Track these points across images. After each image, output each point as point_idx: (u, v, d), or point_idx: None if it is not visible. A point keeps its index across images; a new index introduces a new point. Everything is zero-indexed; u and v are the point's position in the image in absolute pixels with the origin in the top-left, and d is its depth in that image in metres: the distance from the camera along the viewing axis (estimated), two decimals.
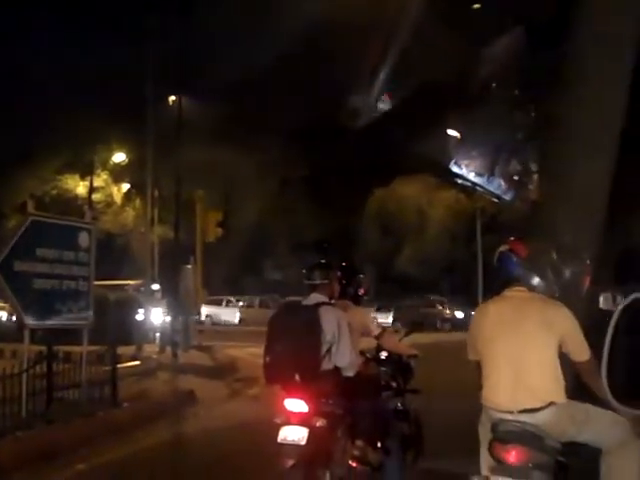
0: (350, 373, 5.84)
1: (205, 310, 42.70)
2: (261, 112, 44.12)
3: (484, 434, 4.31)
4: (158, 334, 23.52)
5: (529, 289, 4.34)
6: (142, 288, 26.42)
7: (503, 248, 4.42)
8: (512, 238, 4.52)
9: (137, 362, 17.05)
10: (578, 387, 4.40)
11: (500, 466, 4.08)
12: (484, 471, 4.24)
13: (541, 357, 4.17)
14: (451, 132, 43.71)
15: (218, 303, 42.73)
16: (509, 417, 4.13)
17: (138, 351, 19.52)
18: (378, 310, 26.44)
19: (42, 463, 8.08)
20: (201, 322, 37.30)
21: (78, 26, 46.00)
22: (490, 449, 4.13)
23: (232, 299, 43.34)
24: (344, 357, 5.73)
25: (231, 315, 43.86)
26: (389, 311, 37.47)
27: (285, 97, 44.08)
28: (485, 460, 4.27)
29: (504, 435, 4.09)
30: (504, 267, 4.40)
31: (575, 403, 4.26)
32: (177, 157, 22.60)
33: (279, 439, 5.42)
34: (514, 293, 4.36)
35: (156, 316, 25.20)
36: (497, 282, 4.47)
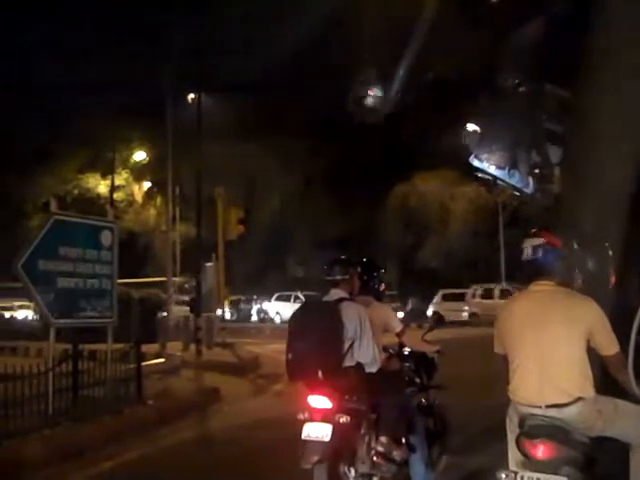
0: (373, 369, 5.81)
1: (274, 306, 43.04)
2: (281, 108, 44.14)
3: (512, 429, 4.28)
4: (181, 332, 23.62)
5: (557, 283, 4.30)
6: (186, 285, 26.34)
7: (537, 241, 4.35)
8: (534, 230, 4.47)
9: (161, 360, 17.10)
10: (607, 381, 4.35)
11: (528, 461, 4.06)
12: (512, 466, 4.21)
13: (569, 351, 4.13)
14: (471, 126, 43.60)
15: (286, 299, 42.29)
16: (537, 412, 4.10)
17: (162, 349, 19.61)
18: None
19: (69, 460, 8.16)
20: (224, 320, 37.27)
21: (98, 25, 46.19)
22: (518, 444, 4.10)
23: (300, 295, 42.65)
24: (367, 353, 5.71)
25: None
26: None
27: (305, 93, 44.08)
28: (513, 455, 4.24)
29: (532, 430, 4.06)
30: (539, 260, 4.33)
31: (603, 398, 4.22)
32: (198, 155, 22.63)
33: (303, 436, 5.41)
34: (541, 287, 4.32)
35: (179, 313, 25.31)
36: (526, 275, 4.42)
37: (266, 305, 45.20)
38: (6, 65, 43.66)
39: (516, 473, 4.08)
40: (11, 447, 8.09)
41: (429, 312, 33.54)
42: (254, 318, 45.35)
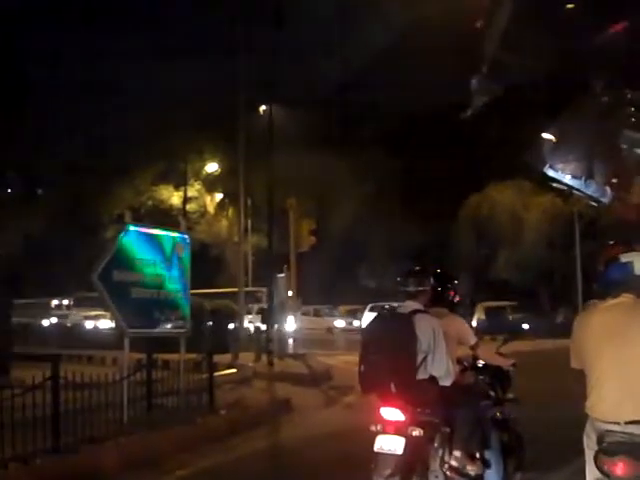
0: (447, 382, 5.72)
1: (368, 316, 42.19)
2: (353, 119, 44.27)
3: (590, 445, 4.14)
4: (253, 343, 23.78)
5: (637, 295, 4.16)
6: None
7: (627, 257, 4.22)
8: (612, 242, 4.35)
9: (233, 370, 17.24)
10: None
11: (607, 479, 3.92)
12: None
13: None
14: (546, 135, 42.91)
15: (381, 309, 41.49)
16: (616, 428, 3.96)
17: (234, 359, 19.77)
18: None
19: (144, 468, 8.26)
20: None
21: (169, 41, 47.29)
22: (596, 461, 3.97)
23: (393, 304, 41.85)
24: (440, 366, 5.62)
25: None
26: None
27: (377, 102, 44.15)
28: (591, 472, 4.11)
29: (611, 447, 3.93)
30: (628, 273, 4.20)
31: None
32: (269, 166, 22.81)
33: (375, 448, 5.35)
34: (620, 300, 4.18)
35: (251, 324, 25.50)
36: (610, 288, 4.28)
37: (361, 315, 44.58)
38: (86, 80, 44.97)
39: None
40: (88, 454, 8.23)
41: None
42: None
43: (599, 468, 3.96)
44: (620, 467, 3.85)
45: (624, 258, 4.22)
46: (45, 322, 44.26)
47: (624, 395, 3.97)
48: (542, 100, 39.34)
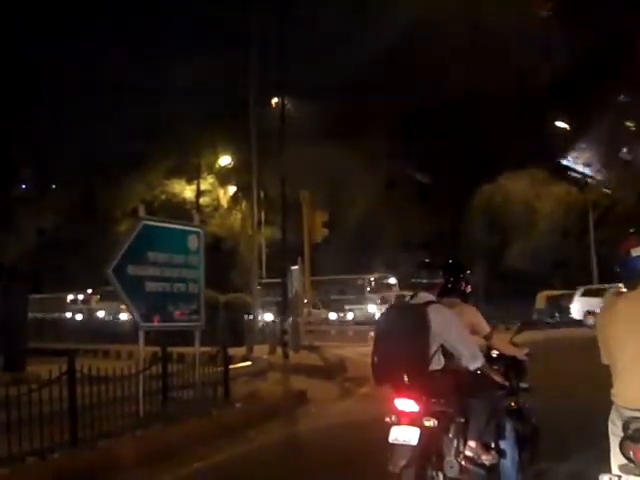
0: (477, 364, 5.71)
1: None
2: (364, 110, 44.18)
3: (615, 432, 4.15)
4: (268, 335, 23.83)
5: None
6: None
7: None
8: (632, 231, 4.34)
9: (248, 363, 17.28)
10: None
11: (632, 465, 3.94)
12: (615, 470, 4.09)
13: None
14: (559, 124, 42.77)
15: None
16: None
17: (249, 352, 19.80)
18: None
19: (160, 460, 8.31)
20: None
21: (181, 33, 47.32)
22: (622, 447, 3.99)
23: None
24: (464, 350, 5.61)
25: None
26: None
27: (388, 94, 44.04)
28: (616, 459, 4.12)
29: (636, 434, 3.94)
30: None
31: None
32: (282, 158, 22.79)
33: (390, 439, 5.36)
34: None
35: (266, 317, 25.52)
36: (633, 276, 4.27)
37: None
38: (98, 76, 45.11)
39: (620, 477, 3.97)
40: (105, 447, 8.29)
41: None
42: None
43: (625, 454, 3.97)
44: None
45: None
46: (67, 315, 44.83)
47: None
48: (557, 90, 39.32)
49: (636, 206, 37.79)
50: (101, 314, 46.13)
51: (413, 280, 5.95)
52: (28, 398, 7.51)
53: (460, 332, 5.65)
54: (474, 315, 6.29)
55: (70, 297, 51.32)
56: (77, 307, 49.78)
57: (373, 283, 42.99)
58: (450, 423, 5.67)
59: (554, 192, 43.04)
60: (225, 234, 46.60)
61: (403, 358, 5.41)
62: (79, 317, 45.92)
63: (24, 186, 55.80)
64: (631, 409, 4.03)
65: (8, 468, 7.11)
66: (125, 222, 43.15)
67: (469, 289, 6.53)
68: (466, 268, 6.66)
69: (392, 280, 41.61)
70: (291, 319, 22.83)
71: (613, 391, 4.16)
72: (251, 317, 24.39)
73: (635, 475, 3.91)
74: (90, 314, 46.71)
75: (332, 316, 41.00)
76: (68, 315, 47.00)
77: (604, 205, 40.46)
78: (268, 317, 30.73)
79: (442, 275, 6.03)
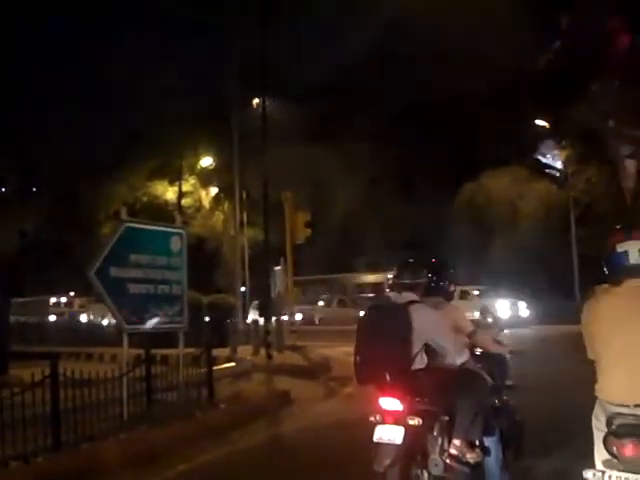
0: (462, 359, 5.78)
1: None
2: (349, 111, 44.24)
3: (598, 427, 4.18)
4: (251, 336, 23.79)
5: None
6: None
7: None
8: (618, 227, 4.36)
9: (232, 364, 17.26)
10: None
11: (615, 461, 3.97)
12: (599, 465, 4.12)
13: None
14: (539, 122, 43.02)
15: None
16: (625, 411, 4.01)
17: (233, 353, 19.78)
18: None
19: (145, 463, 8.28)
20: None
21: (161, 33, 47.15)
22: (605, 443, 4.02)
23: None
24: (448, 346, 5.66)
25: None
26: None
27: (369, 95, 44.14)
28: (600, 453, 4.15)
29: (620, 429, 3.98)
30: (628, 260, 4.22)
31: None
32: (264, 159, 22.75)
33: (375, 438, 5.36)
34: (630, 284, 4.20)
35: (249, 318, 25.51)
36: (617, 273, 4.29)
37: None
38: (80, 78, 44.92)
39: (603, 472, 4.00)
40: (89, 451, 8.26)
41: None
42: None
43: (608, 450, 4.01)
44: (629, 449, 3.92)
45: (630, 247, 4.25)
46: (50, 318, 44.60)
47: (633, 378, 4.01)
48: (535, 88, 39.57)
49: (616, 202, 38.11)
50: (84, 317, 45.99)
51: (396, 280, 5.96)
52: (11, 402, 7.48)
53: (444, 329, 5.68)
54: (457, 314, 6.33)
55: (53, 300, 51.05)
56: (60, 310, 49.52)
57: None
58: (434, 421, 5.69)
59: (535, 190, 43.27)
60: (208, 235, 46.50)
61: (386, 358, 5.42)
62: (61, 320, 45.71)
63: (4, 189, 55.42)
64: (615, 404, 4.06)
65: None
66: (108, 224, 42.96)
67: (452, 288, 6.56)
68: (450, 267, 6.68)
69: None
70: (274, 319, 22.82)
71: (597, 387, 4.19)
72: (235, 320, 24.41)
73: (618, 470, 3.95)
74: (73, 317, 46.53)
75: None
76: (51, 318, 46.74)
77: (585, 202, 40.72)
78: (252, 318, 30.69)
79: (426, 274, 6.04)
